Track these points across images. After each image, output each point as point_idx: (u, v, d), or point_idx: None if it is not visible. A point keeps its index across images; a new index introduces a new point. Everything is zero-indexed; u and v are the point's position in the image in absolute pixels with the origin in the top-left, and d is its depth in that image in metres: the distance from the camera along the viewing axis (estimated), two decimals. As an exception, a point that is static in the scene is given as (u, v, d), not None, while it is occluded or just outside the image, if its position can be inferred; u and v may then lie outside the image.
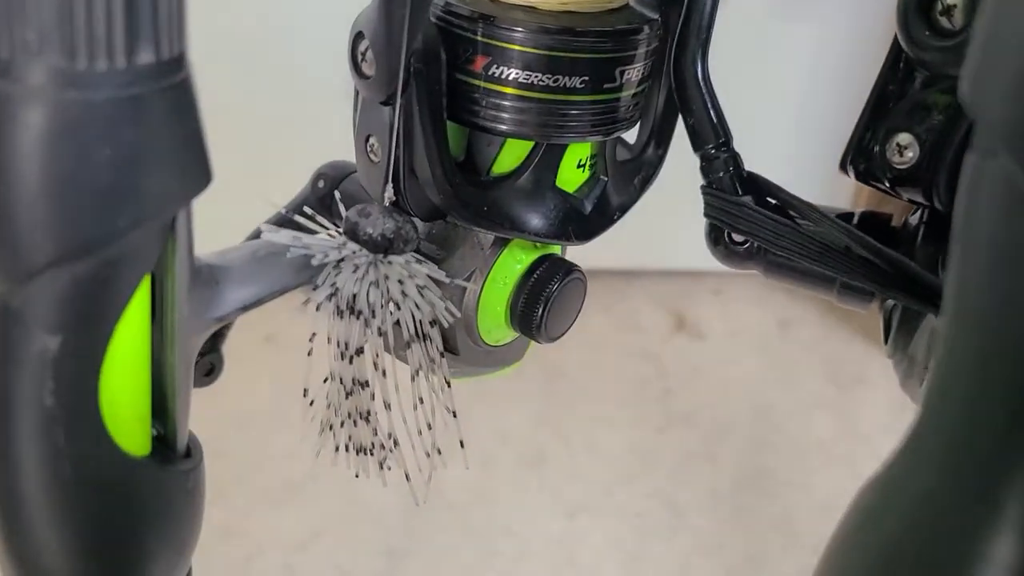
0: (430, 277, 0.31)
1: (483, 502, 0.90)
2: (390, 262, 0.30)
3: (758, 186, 0.35)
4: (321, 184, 0.42)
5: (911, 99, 0.30)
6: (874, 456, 1.05)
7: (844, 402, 1.05)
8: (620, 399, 1.03)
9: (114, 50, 0.19)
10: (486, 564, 0.85)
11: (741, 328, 1.15)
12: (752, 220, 0.33)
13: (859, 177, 0.32)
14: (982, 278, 0.16)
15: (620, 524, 0.89)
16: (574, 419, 1.00)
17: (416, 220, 0.32)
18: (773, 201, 0.35)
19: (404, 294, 0.30)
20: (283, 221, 0.39)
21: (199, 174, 0.23)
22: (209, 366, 0.44)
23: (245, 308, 0.28)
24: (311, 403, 0.33)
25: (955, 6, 0.27)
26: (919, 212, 0.33)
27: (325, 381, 0.33)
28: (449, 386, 0.34)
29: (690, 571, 0.85)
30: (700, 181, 0.36)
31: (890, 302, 0.33)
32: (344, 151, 0.41)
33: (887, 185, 0.31)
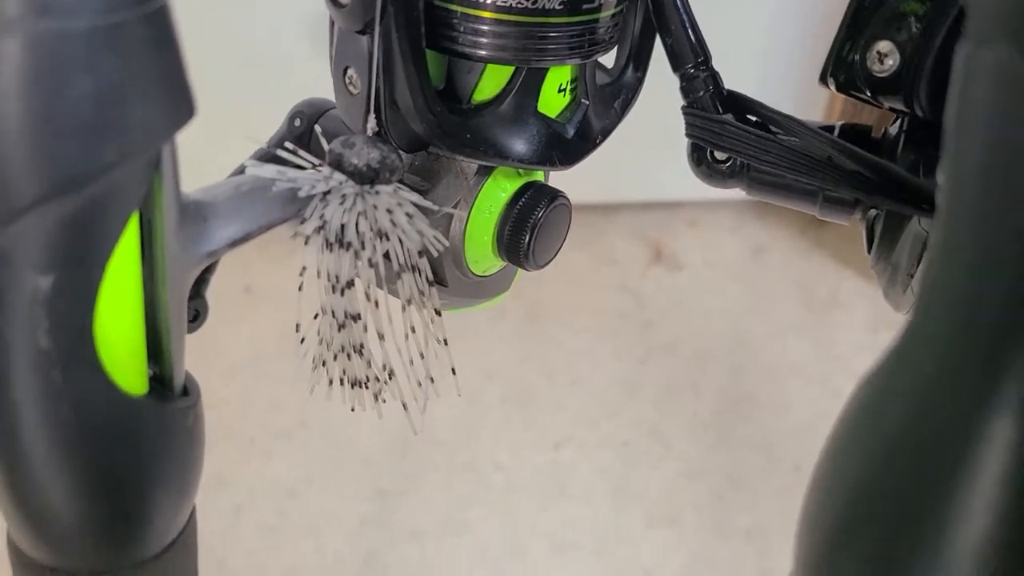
0: (417, 206, 0.30)
1: (471, 438, 0.91)
2: (377, 192, 0.29)
3: (738, 103, 0.35)
4: (297, 123, 0.41)
5: (889, 7, 0.30)
6: (850, 376, 1.07)
7: (819, 325, 1.06)
8: (601, 332, 1.04)
9: (91, -25, 0.19)
10: (476, 498, 0.86)
11: (717, 257, 1.16)
12: (735, 137, 0.33)
13: (839, 88, 0.32)
14: (980, 168, 0.16)
15: (607, 453, 0.91)
16: (557, 354, 1.01)
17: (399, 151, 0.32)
18: (754, 118, 0.35)
19: (393, 223, 0.30)
20: (265, 157, 0.39)
21: (183, 106, 0.22)
22: (194, 312, 0.44)
23: (234, 243, 0.27)
24: (302, 340, 0.33)
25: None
26: (898, 121, 0.33)
27: (316, 317, 0.32)
28: (439, 315, 0.34)
29: (676, 495, 0.87)
30: (673, 112, 0.36)
31: (872, 212, 0.34)
32: (316, 89, 0.41)
33: (868, 94, 0.31)
